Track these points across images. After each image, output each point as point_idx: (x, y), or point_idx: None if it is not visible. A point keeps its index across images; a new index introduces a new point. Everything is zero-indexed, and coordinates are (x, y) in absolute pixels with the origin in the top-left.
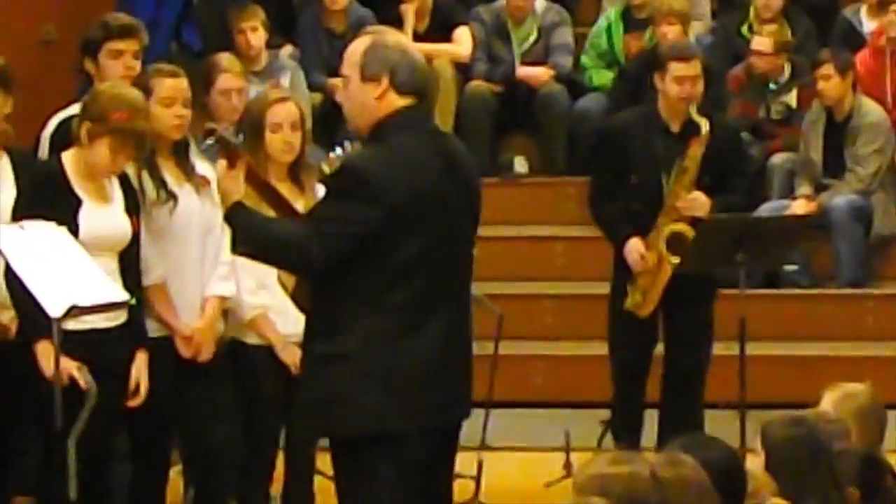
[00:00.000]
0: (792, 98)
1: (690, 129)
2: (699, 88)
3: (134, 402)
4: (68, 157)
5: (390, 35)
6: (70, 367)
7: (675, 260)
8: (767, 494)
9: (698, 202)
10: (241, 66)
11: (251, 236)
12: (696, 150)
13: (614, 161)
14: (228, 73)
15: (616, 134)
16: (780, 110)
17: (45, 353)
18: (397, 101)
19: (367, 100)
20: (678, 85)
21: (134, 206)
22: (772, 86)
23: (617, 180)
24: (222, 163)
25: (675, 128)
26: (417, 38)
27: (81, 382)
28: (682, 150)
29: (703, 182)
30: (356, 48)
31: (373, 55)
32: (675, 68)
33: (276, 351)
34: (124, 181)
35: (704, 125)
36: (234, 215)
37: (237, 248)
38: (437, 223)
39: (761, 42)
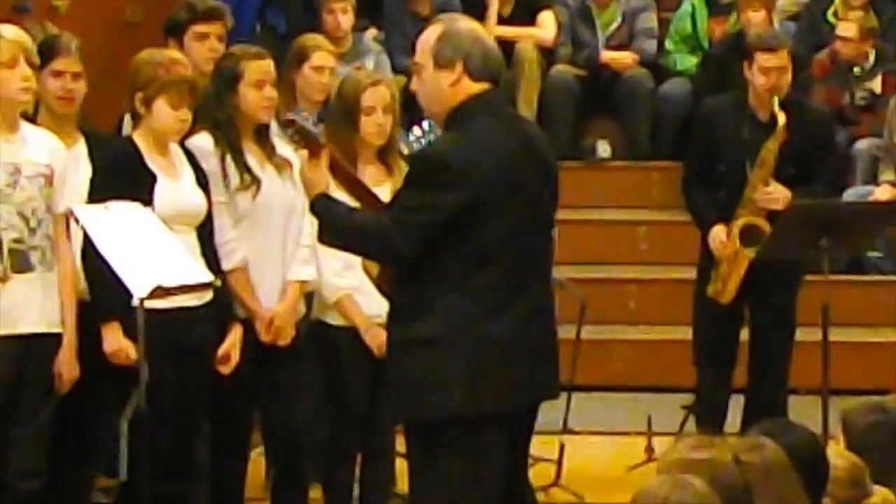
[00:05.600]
0: (876, 84)
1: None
2: (786, 79)
3: (225, 370)
4: (138, 136)
5: (462, 21)
6: (127, 346)
7: (749, 252)
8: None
9: (774, 196)
10: (332, 46)
11: (336, 227)
12: (772, 143)
13: (704, 145)
14: (322, 51)
15: (707, 118)
16: (864, 96)
17: (111, 332)
18: (472, 87)
19: (441, 87)
20: (764, 76)
21: (203, 181)
22: (856, 72)
23: (707, 165)
24: (304, 153)
25: (763, 116)
26: (502, 21)
27: (132, 358)
28: (768, 139)
29: (787, 173)
30: (429, 36)
31: (446, 42)
32: (762, 59)
33: (361, 333)
34: (191, 158)
35: (781, 118)
36: (319, 206)
37: (323, 238)
38: (519, 205)
39: (846, 28)
